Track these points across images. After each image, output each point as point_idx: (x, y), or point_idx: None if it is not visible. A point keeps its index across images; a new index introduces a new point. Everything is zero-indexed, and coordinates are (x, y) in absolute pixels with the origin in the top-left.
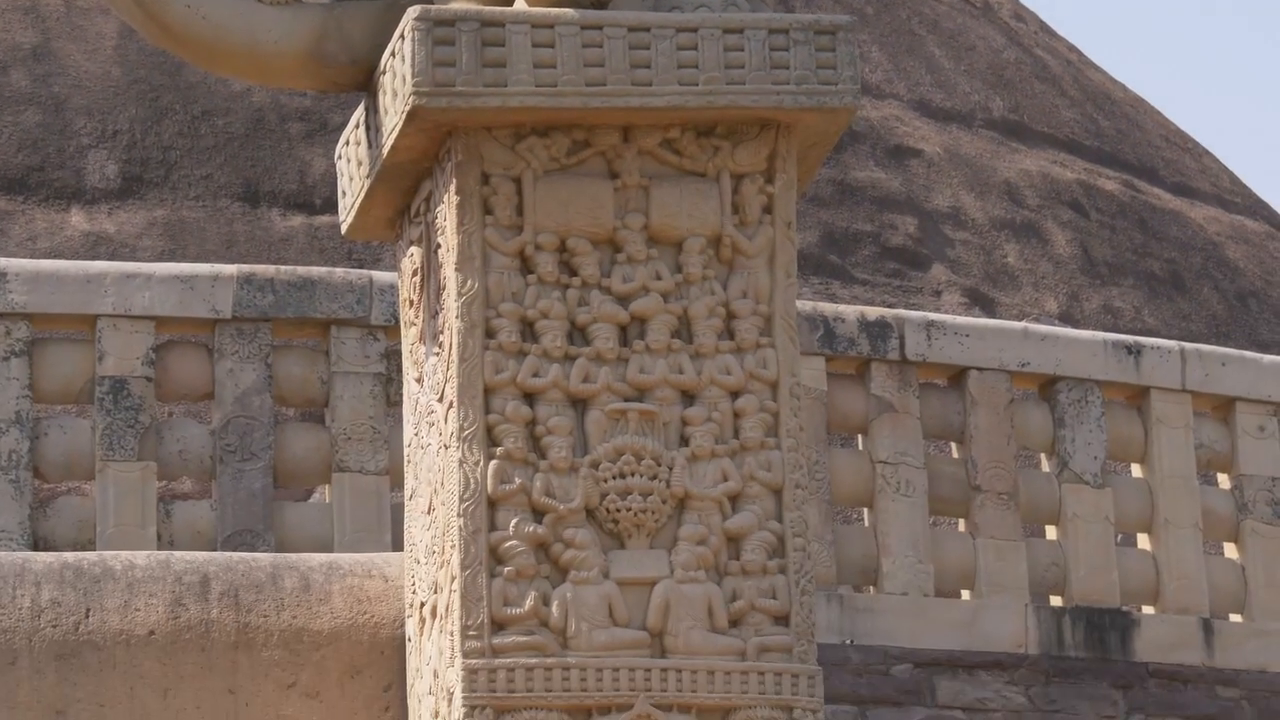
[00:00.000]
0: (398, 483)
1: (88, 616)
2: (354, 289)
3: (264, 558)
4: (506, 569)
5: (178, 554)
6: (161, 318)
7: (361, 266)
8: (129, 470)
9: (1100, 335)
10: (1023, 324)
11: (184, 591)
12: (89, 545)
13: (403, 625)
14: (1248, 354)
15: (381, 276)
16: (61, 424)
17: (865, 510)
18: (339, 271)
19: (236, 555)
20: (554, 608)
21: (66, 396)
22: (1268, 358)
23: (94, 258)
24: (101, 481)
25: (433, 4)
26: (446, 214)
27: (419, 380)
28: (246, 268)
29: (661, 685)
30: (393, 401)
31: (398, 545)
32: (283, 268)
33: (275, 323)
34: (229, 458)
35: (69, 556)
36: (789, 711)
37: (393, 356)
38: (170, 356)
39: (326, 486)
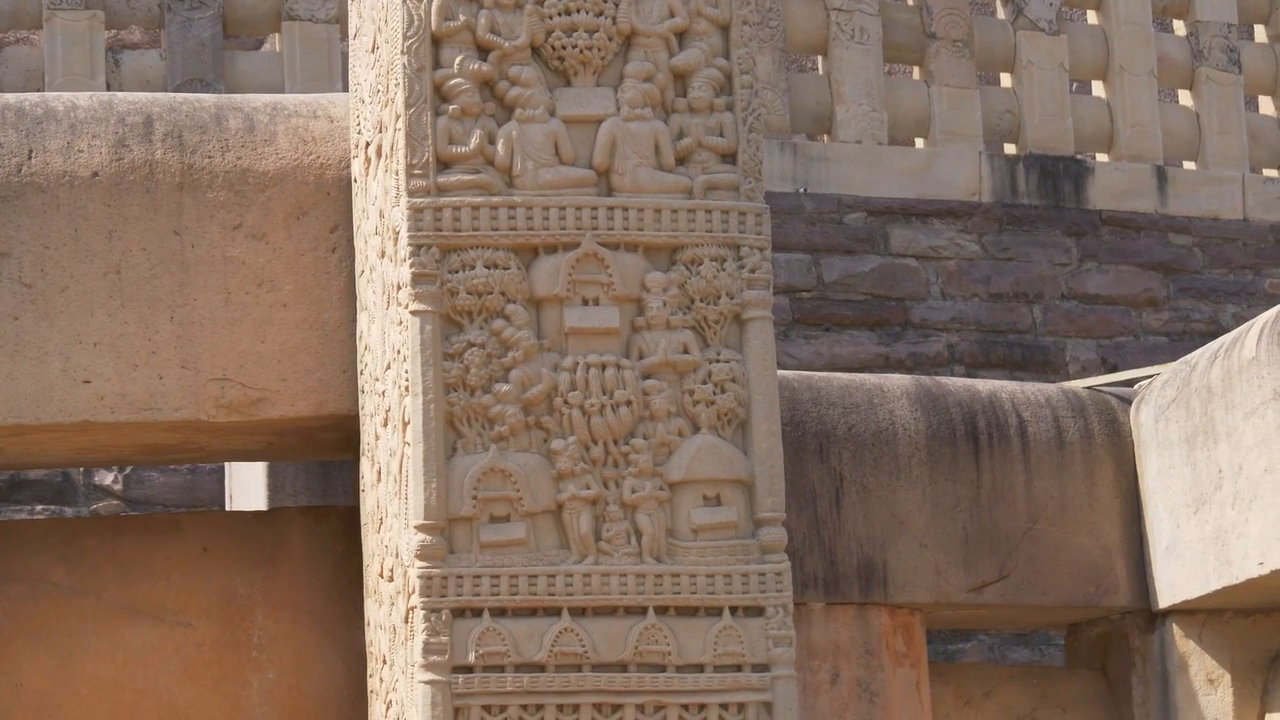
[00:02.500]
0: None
1: (30, 158)
2: None
3: (208, 98)
4: (451, 107)
5: (120, 95)
6: None
7: None
8: (76, 19)
9: None
10: None
11: (127, 133)
12: None
13: (348, 166)
14: None
15: None
16: None
17: (819, 58)
18: None
19: (180, 96)
20: (499, 146)
21: None
22: None
23: None
24: (49, 30)
25: None
26: None
27: None
28: None
29: (608, 223)
30: None
31: None
32: None
33: None
34: (177, 6)
35: (10, 98)
36: (736, 249)
37: None
38: None
39: (277, 35)
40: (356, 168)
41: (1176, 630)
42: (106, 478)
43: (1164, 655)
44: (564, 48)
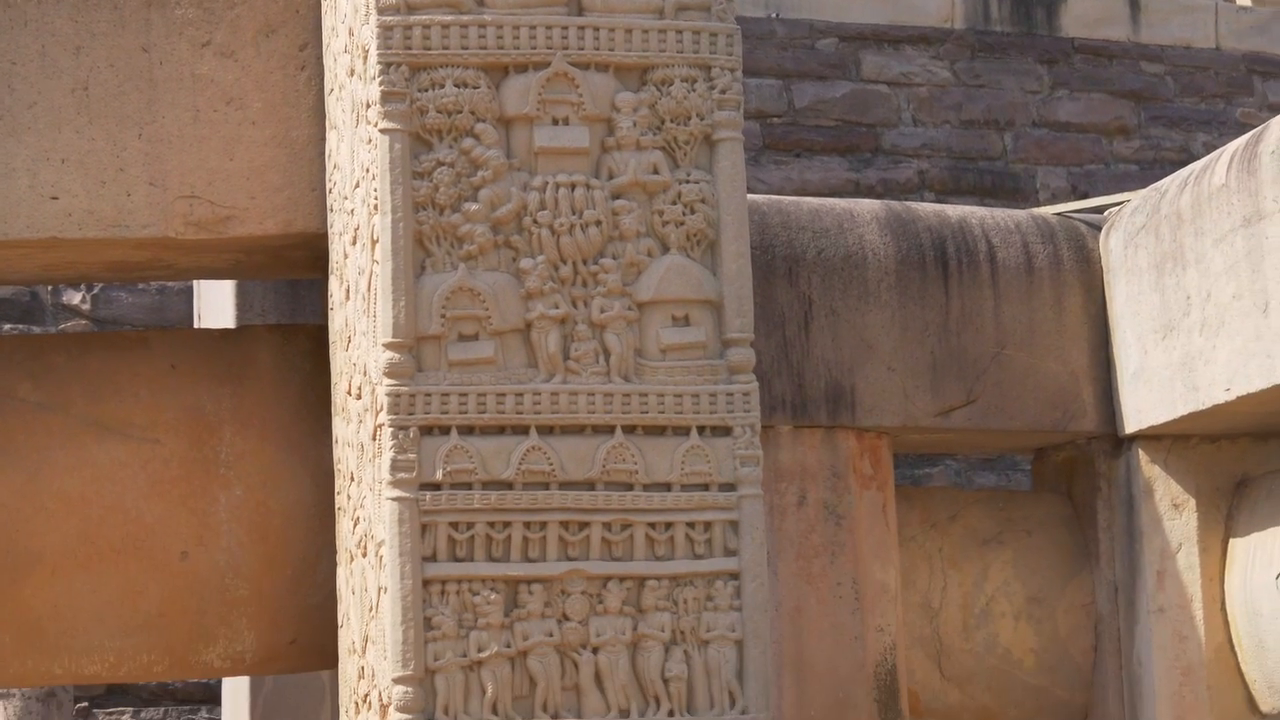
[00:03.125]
0: None
1: None
2: None
3: None
4: None
5: None
6: None
7: None
8: None
9: None
10: None
11: None
12: None
13: None
14: None
15: None
16: None
17: None
18: None
19: None
20: None
21: None
22: None
23: None
24: None
25: None
26: None
27: None
28: None
29: (579, 42)
30: None
31: None
32: None
33: None
34: None
35: None
36: (707, 70)
37: None
38: None
39: None
40: None
41: (1142, 455)
42: (74, 297)
43: (1129, 480)
44: None
